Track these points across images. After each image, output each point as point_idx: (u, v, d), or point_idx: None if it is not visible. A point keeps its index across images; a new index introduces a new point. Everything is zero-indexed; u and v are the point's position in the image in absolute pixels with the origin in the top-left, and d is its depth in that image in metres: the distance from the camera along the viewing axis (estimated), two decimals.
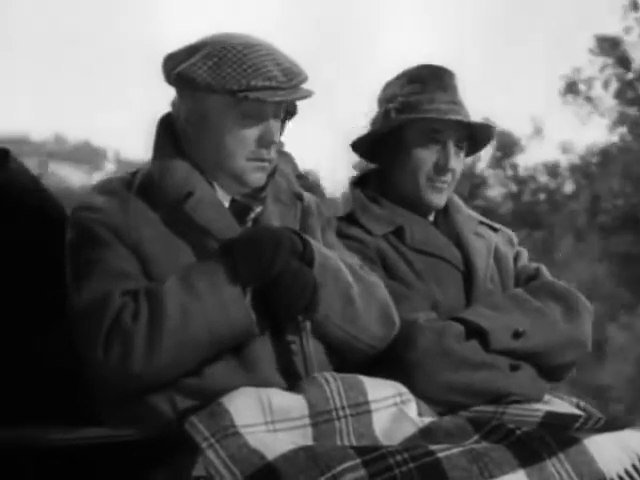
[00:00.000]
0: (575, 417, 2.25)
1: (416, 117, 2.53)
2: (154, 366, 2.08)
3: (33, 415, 2.17)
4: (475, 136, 2.62)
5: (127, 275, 2.15)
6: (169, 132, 2.29)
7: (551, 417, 2.28)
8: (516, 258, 2.67)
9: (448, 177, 2.56)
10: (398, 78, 2.62)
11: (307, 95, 2.23)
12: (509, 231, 2.74)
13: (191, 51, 2.21)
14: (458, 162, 2.57)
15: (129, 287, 2.13)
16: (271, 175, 2.31)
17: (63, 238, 2.23)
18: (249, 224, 2.27)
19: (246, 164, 2.23)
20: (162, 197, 2.22)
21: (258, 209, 2.28)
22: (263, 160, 2.24)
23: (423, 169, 2.54)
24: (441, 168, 2.54)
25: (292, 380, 2.17)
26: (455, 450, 1.97)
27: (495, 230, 2.69)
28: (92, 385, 2.18)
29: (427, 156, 2.54)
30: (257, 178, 2.25)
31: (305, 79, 2.24)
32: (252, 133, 2.21)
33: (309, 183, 2.42)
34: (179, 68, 2.20)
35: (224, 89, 2.17)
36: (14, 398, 2.23)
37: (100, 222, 2.17)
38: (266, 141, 2.22)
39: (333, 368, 2.25)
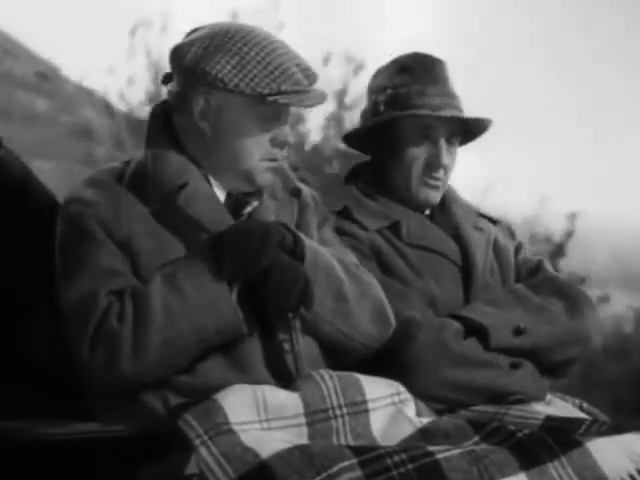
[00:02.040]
0: (578, 422, 2.20)
1: (406, 114, 2.48)
2: (142, 366, 2.05)
3: (22, 409, 2.13)
4: (469, 127, 2.57)
5: (115, 273, 2.12)
6: (164, 122, 2.25)
7: (552, 421, 2.24)
8: (517, 250, 2.63)
9: (440, 173, 2.51)
10: (387, 67, 2.57)
11: (324, 99, 2.22)
12: (509, 223, 2.69)
13: (205, 44, 2.16)
14: (450, 158, 2.52)
15: (117, 285, 2.10)
16: None
17: (52, 228, 2.19)
18: (244, 218, 2.23)
19: (258, 164, 2.20)
20: (155, 189, 2.18)
21: (255, 203, 2.24)
22: (274, 160, 2.22)
23: (415, 165, 2.50)
24: (433, 165, 2.49)
25: (282, 378, 2.13)
26: (455, 452, 1.93)
27: (495, 222, 2.65)
28: (82, 381, 2.16)
29: (419, 152, 2.50)
30: (266, 179, 2.23)
31: (317, 79, 2.22)
32: (268, 135, 2.20)
33: (300, 176, 2.38)
34: (202, 65, 2.15)
35: (254, 92, 2.14)
36: (3, 391, 2.19)
37: (90, 216, 2.14)
38: (281, 142, 2.21)
39: (327, 366, 2.21)
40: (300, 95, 2.17)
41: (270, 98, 2.14)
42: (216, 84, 2.14)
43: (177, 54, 2.19)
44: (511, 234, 2.66)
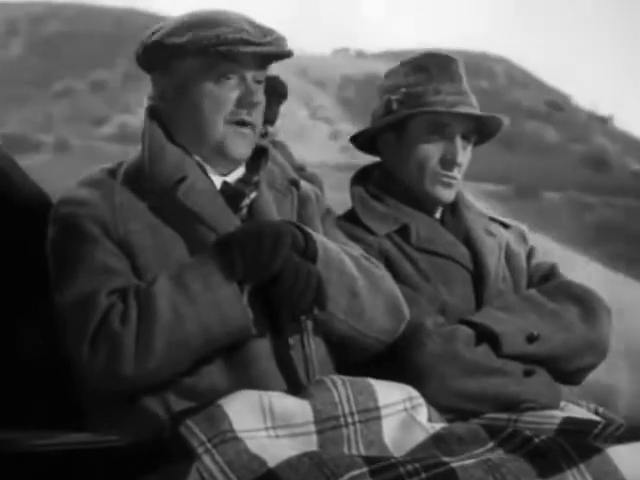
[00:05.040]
0: (594, 423, 2.13)
1: (422, 111, 2.42)
2: (146, 370, 1.98)
3: (18, 417, 2.09)
4: (481, 127, 2.51)
5: (114, 272, 2.05)
6: (157, 119, 2.19)
7: (569, 423, 2.17)
8: (529, 255, 2.57)
9: (455, 172, 2.45)
10: (402, 66, 2.51)
11: (283, 51, 2.13)
12: (521, 227, 2.63)
13: (166, 29, 2.13)
14: (465, 156, 2.47)
15: (117, 285, 2.03)
16: (264, 162, 2.22)
17: (44, 229, 2.13)
18: (244, 211, 2.17)
19: (225, 129, 2.12)
20: (152, 184, 2.12)
21: (252, 195, 2.18)
22: (244, 123, 2.13)
23: (429, 164, 2.44)
24: (448, 163, 2.44)
25: (292, 381, 2.06)
26: (470, 461, 1.86)
27: (506, 227, 2.59)
28: (79, 386, 2.09)
29: (433, 150, 2.44)
30: (238, 145, 2.14)
31: (281, 40, 2.13)
32: (231, 94, 2.12)
33: (307, 175, 2.33)
34: (152, 39, 2.12)
35: (193, 45, 2.07)
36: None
37: (85, 216, 2.07)
38: (246, 101, 2.13)
39: (334, 367, 2.15)
40: (247, 46, 2.08)
41: (211, 49, 2.06)
42: (161, 52, 2.10)
43: (137, 49, 2.17)
44: (523, 238, 2.60)
